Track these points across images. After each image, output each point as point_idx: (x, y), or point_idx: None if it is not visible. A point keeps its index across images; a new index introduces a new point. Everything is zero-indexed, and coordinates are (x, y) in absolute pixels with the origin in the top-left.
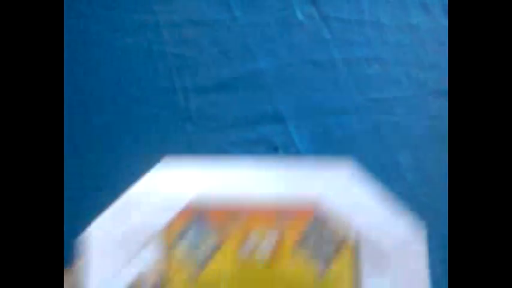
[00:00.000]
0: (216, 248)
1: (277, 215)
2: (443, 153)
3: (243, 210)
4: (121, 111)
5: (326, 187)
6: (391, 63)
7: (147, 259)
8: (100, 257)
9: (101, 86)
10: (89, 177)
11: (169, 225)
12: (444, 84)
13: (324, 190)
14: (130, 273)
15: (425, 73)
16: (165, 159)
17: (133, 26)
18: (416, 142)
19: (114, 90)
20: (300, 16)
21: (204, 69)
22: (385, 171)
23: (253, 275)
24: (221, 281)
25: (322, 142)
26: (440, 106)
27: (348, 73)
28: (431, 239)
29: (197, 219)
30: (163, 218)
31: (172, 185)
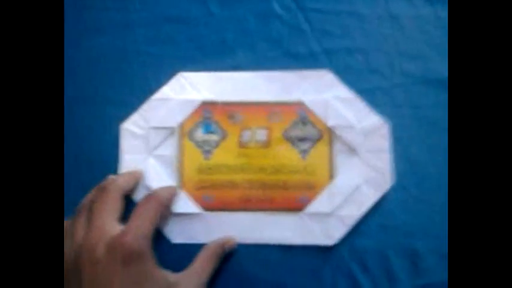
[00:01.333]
0: (220, 141)
1: (268, 115)
2: (430, 141)
3: (240, 111)
4: (96, 112)
5: (307, 93)
6: (373, 53)
7: (166, 150)
8: (129, 148)
9: (75, 87)
10: None
11: (183, 124)
12: (428, 74)
13: (305, 95)
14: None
15: (409, 63)
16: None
17: (106, 25)
18: (399, 133)
19: (88, 92)
20: (277, 9)
21: (181, 66)
22: None
23: (250, 157)
24: (224, 166)
25: None
26: (425, 95)
27: (329, 65)
28: None
29: (204, 119)
30: (178, 118)
31: (184, 93)
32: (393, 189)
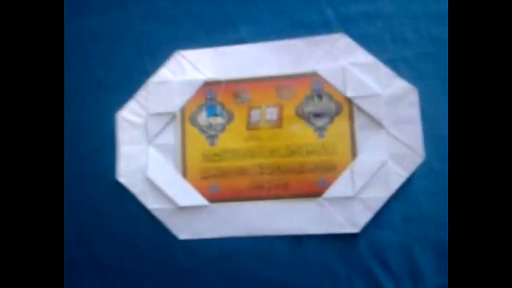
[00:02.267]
0: (226, 124)
1: (278, 91)
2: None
3: (247, 88)
4: (89, 99)
5: (320, 61)
6: (396, 18)
7: (167, 137)
8: (127, 138)
9: (68, 70)
10: None
11: (184, 108)
12: None
13: (319, 64)
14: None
15: (439, 26)
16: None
17: (97, 3)
18: (426, 108)
19: (79, 77)
20: None
21: (179, 44)
22: None
23: (261, 139)
24: (231, 151)
25: None
26: None
27: (344, 34)
28: None
29: (208, 101)
30: (178, 102)
31: (184, 74)
32: (420, 171)
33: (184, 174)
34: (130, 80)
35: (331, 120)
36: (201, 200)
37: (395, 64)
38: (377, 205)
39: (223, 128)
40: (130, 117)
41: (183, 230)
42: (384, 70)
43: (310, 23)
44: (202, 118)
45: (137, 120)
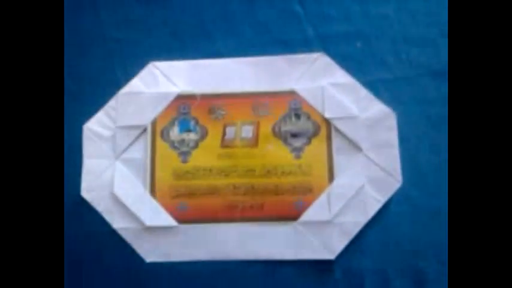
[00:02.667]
0: (199, 140)
1: (254, 108)
2: (439, 141)
3: (222, 104)
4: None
5: (299, 80)
6: (375, 39)
7: (136, 152)
8: (93, 151)
9: None
10: None
11: (156, 121)
12: (439, 64)
13: (297, 83)
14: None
15: (417, 50)
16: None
17: (66, 7)
18: (404, 131)
19: None
20: None
21: (153, 55)
22: None
23: (235, 158)
24: (204, 169)
25: None
26: (433, 89)
27: (324, 54)
28: None
29: (181, 115)
30: (149, 115)
31: (157, 86)
32: (396, 196)
33: (153, 192)
34: (99, 89)
35: (309, 141)
36: (169, 220)
37: (375, 86)
38: (354, 230)
39: (196, 145)
40: (97, 129)
41: (151, 252)
42: (362, 92)
43: (290, 40)
44: (175, 133)
45: (105, 132)
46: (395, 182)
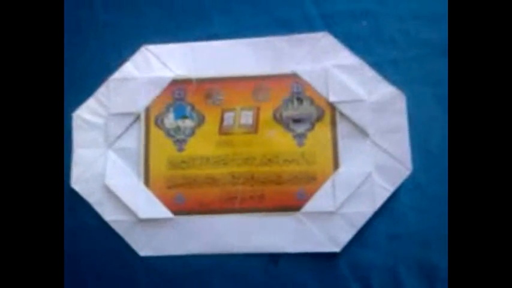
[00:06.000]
0: (196, 127)
1: (254, 92)
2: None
3: (220, 89)
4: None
5: (301, 62)
6: (382, 17)
7: (129, 141)
8: (84, 140)
9: None
10: None
11: (150, 108)
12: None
13: (300, 65)
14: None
15: (428, 28)
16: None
17: None
18: (414, 115)
19: None
20: None
21: (145, 37)
22: None
23: (234, 145)
24: (201, 158)
25: None
26: (445, 69)
27: (328, 33)
28: None
29: (176, 101)
30: (143, 101)
31: (150, 70)
32: (406, 185)
33: (147, 182)
34: (90, 75)
35: (312, 126)
36: (165, 212)
37: (382, 67)
38: (360, 221)
39: (192, 132)
40: (88, 116)
41: (145, 246)
42: (369, 73)
43: (291, 19)
44: (170, 120)
45: (96, 120)
46: (404, 169)
